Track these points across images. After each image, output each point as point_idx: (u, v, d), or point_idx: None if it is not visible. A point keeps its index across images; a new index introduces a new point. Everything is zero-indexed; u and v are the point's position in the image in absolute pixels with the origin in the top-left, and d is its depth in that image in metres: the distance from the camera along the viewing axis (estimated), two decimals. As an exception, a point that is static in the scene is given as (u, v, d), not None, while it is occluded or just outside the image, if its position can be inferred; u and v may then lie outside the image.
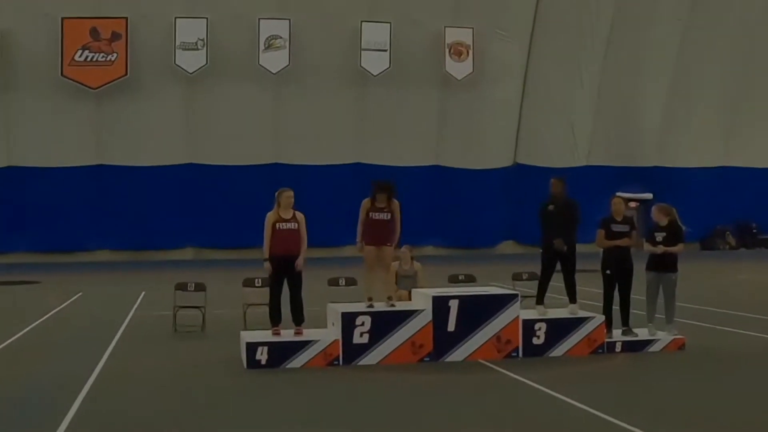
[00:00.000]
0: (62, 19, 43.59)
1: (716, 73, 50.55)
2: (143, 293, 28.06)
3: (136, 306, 24.94)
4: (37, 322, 21.33)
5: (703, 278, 31.80)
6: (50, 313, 23.33)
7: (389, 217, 15.98)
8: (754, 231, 54.11)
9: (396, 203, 16.08)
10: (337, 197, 41.96)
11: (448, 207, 47.68)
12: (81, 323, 21.66)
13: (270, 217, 15.75)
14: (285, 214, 15.75)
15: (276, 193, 15.91)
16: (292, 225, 15.71)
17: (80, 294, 28.43)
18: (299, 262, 15.70)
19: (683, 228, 16.81)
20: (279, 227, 15.64)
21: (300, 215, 15.86)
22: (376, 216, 15.93)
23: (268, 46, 45.55)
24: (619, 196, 17.32)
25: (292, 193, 15.88)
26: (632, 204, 45.83)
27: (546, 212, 16.69)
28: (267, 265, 15.77)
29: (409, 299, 17.42)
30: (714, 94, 50.98)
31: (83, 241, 45.54)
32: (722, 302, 24.12)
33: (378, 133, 47.26)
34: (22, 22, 43.33)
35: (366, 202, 16.02)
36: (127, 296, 27.23)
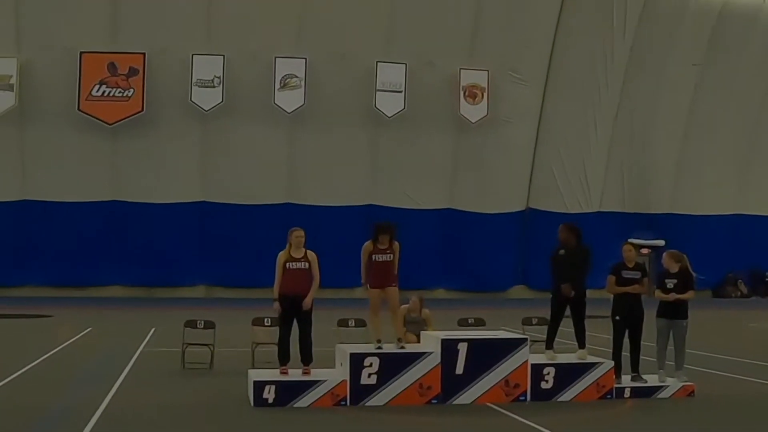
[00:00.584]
0: (81, 53, 43.82)
1: (730, 120, 50.54)
2: (153, 329, 28.05)
3: (145, 341, 24.93)
4: (47, 355, 21.33)
5: (714, 325, 31.68)
6: (60, 347, 23.33)
7: (391, 258, 16.03)
8: (766, 279, 53.92)
9: (397, 244, 16.14)
10: (349, 238, 41.38)
11: (459, 250, 47.64)
12: (91, 357, 21.64)
13: (281, 256, 15.81)
14: (296, 253, 15.80)
15: (288, 233, 15.99)
16: (302, 264, 15.76)
17: (91, 328, 28.43)
18: (307, 301, 15.71)
19: (694, 275, 16.81)
20: (289, 267, 15.69)
21: (312, 255, 15.91)
22: (379, 258, 15.98)
23: (284, 85, 45.67)
24: (630, 243, 17.29)
25: (302, 233, 15.94)
26: (644, 251, 45.76)
27: (557, 258, 16.72)
28: (276, 305, 15.80)
29: (418, 342, 17.44)
30: (728, 141, 50.95)
31: (96, 276, 45.55)
32: (733, 350, 24.01)
33: (391, 175, 47.25)
34: (41, 55, 43.55)
35: (368, 245, 16.07)
36: (138, 332, 27.22)
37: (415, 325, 18.49)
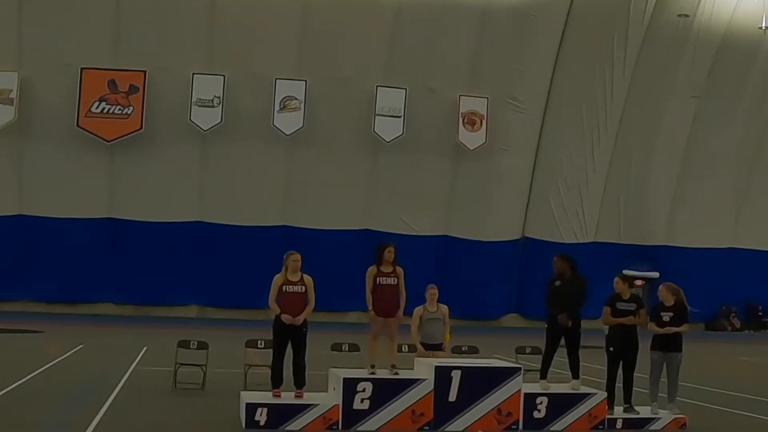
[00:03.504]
0: (82, 69, 43.81)
1: (728, 153, 50.51)
2: (145, 348, 28.02)
3: (137, 360, 24.89)
4: (36, 372, 21.28)
5: (707, 359, 31.65)
6: (51, 363, 23.27)
7: (396, 282, 16.02)
8: (760, 313, 53.90)
9: (400, 270, 16.14)
10: (345, 263, 41.86)
11: (454, 277, 47.40)
12: (81, 375, 21.59)
13: (277, 279, 15.81)
14: (293, 277, 15.81)
15: (284, 256, 15.99)
16: (299, 288, 15.78)
17: (82, 345, 28.38)
18: (299, 317, 15.70)
19: (688, 308, 16.83)
20: (286, 290, 15.70)
21: (308, 278, 15.93)
22: (384, 281, 15.98)
23: (283, 107, 45.66)
24: (621, 276, 17.30)
25: (299, 257, 15.96)
26: (638, 282, 45.71)
27: (553, 288, 16.74)
28: (287, 317, 15.72)
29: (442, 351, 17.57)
30: (725, 174, 50.93)
31: (88, 293, 45.43)
32: (725, 383, 24.00)
33: (388, 200, 47.23)
34: (42, 71, 43.50)
35: (372, 269, 16.07)
36: (129, 350, 27.18)
37: (434, 324, 17.81)
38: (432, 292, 18.00)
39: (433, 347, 17.70)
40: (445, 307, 18.12)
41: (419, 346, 17.59)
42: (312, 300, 15.88)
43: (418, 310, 17.61)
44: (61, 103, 43.84)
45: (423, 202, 47.45)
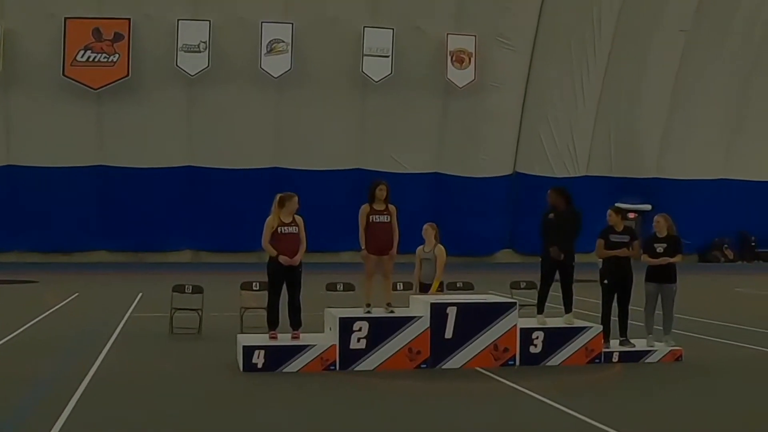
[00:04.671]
0: (65, 19, 43.53)
1: (717, 85, 50.47)
2: (140, 294, 28.03)
3: (132, 307, 24.90)
4: (33, 321, 21.28)
5: (701, 290, 31.76)
6: (47, 313, 23.28)
7: (389, 219, 15.96)
8: (753, 244, 54.06)
9: (393, 207, 16.06)
10: (336, 203, 41.94)
11: (447, 214, 47.42)
12: (77, 323, 21.59)
13: (270, 221, 15.70)
14: (286, 218, 15.73)
15: (277, 197, 15.86)
16: (293, 229, 15.71)
17: (77, 294, 28.38)
18: (296, 258, 15.66)
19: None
20: (280, 231, 15.62)
21: (299, 219, 15.85)
22: (377, 219, 15.90)
23: (271, 50, 45.48)
24: (614, 208, 17.25)
25: (297, 199, 15.87)
26: (631, 215, 45.83)
27: (546, 221, 16.67)
28: (284, 258, 15.69)
29: (440, 290, 17.62)
30: (715, 106, 50.88)
31: (82, 242, 45.50)
32: (719, 314, 24.08)
33: (378, 139, 47.22)
34: (26, 22, 43.27)
35: (365, 208, 15.98)
36: (125, 297, 27.18)
37: (425, 264, 17.93)
38: (428, 231, 18.00)
39: (424, 287, 17.78)
40: (441, 248, 17.95)
41: (415, 284, 17.59)
42: (304, 240, 15.83)
43: (419, 249, 17.66)
44: (46, 53, 43.68)
45: (414, 141, 47.46)
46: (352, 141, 47.17)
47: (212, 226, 45.92)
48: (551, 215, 16.68)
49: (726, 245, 53.79)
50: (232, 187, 45.41)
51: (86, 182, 44.78)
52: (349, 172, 46.37)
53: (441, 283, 18.04)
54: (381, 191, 15.98)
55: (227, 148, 45.54)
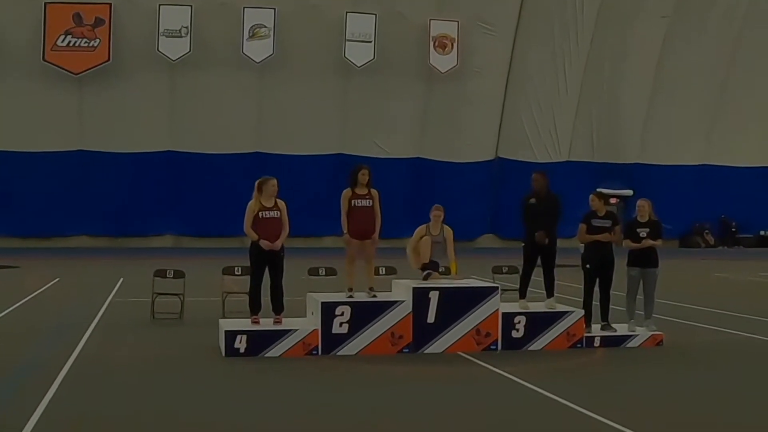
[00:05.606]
0: (45, 4, 43.35)
1: (699, 71, 50.56)
2: (121, 279, 27.98)
3: (114, 292, 24.84)
4: (13, 307, 21.23)
5: (682, 276, 31.84)
6: (27, 298, 23.21)
7: (371, 203, 15.92)
8: (734, 230, 54.24)
9: (375, 192, 16.03)
10: (319, 187, 42.00)
11: (429, 199, 47.22)
12: (58, 309, 21.55)
13: (252, 206, 15.66)
14: (267, 202, 15.69)
15: (257, 182, 15.83)
16: (274, 213, 15.67)
17: (58, 279, 28.32)
18: (277, 243, 15.63)
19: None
20: (261, 216, 15.58)
21: (281, 203, 15.81)
22: (359, 203, 15.86)
23: (252, 35, 45.42)
24: (596, 193, 17.25)
25: (276, 182, 15.83)
26: (612, 200, 45.91)
27: (528, 206, 16.68)
28: (265, 242, 15.60)
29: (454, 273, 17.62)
30: (697, 92, 50.99)
31: (63, 227, 45.37)
32: (700, 300, 24.17)
33: (360, 124, 47.22)
34: (6, 7, 43.07)
35: (346, 192, 15.95)
36: (106, 282, 27.13)
37: (439, 248, 17.14)
38: (436, 213, 17.41)
39: (433, 265, 17.16)
40: (449, 229, 17.51)
41: (412, 264, 17.02)
42: (287, 224, 15.79)
43: (419, 230, 17.06)
44: (26, 38, 43.54)
45: (396, 126, 47.49)
46: (334, 126, 47.14)
47: (194, 211, 45.87)
48: (533, 200, 16.69)
49: (707, 231, 53.95)
50: (214, 172, 45.34)
51: (67, 167, 44.63)
52: (332, 157, 46.34)
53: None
54: (363, 176, 15.95)
55: (209, 132, 45.46)
